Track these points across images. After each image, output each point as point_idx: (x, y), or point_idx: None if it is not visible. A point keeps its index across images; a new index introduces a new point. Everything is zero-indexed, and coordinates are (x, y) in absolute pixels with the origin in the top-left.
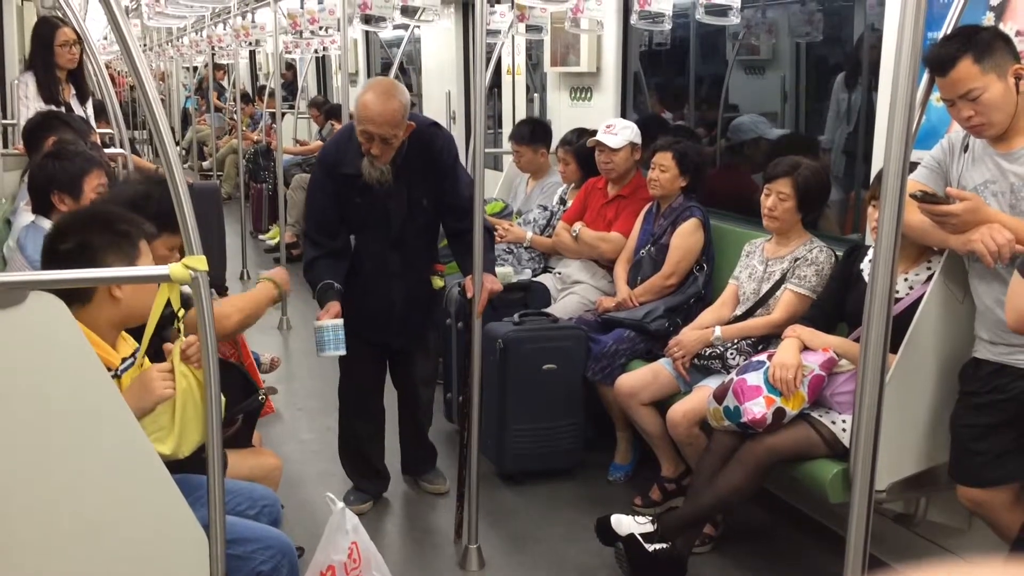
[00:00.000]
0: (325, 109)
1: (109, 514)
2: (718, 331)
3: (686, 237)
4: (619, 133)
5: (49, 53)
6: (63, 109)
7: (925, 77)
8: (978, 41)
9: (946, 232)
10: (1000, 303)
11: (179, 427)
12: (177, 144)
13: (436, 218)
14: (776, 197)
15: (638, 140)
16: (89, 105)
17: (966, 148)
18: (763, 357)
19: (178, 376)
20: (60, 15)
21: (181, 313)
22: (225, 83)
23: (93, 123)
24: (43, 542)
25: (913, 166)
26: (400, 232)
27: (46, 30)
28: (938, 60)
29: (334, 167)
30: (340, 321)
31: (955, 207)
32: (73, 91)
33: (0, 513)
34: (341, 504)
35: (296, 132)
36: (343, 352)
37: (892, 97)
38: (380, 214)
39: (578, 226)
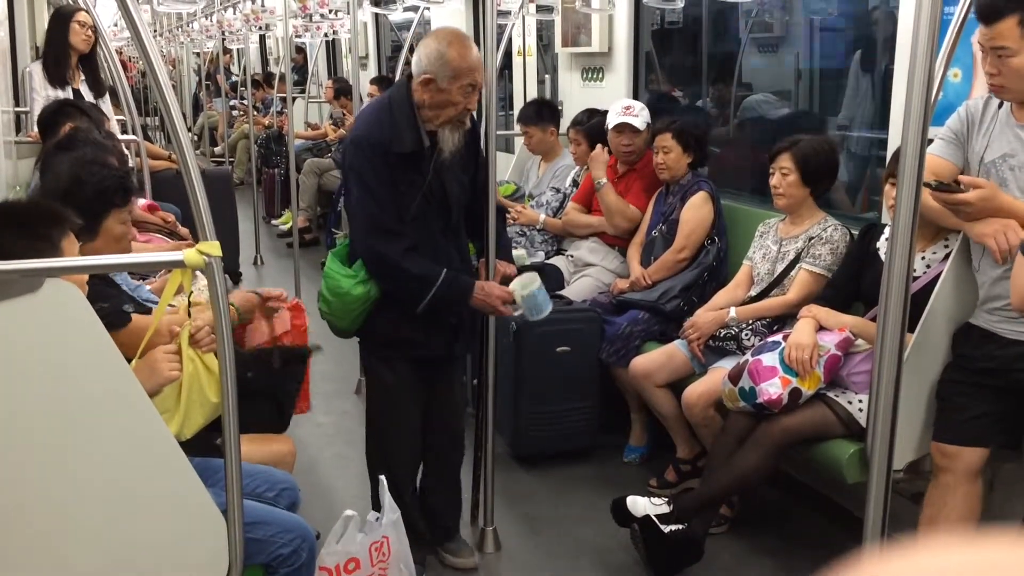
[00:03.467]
0: (337, 88)
1: (127, 499)
2: (733, 312)
3: (696, 210)
4: (639, 114)
5: (65, 31)
6: (71, 93)
7: (942, 53)
8: None
9: (960, 220)
10: (993, 279)
11: (184, 410)
12: (189, 130)
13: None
14: (779, 174)
15: (649, 121)
16: (107, 99)
17: (1001, 104)
18: (778, 338)
19: (185, 360)
20: (71, 1)
21: (192, 297)
22: (234, 68)
23: (111, 115)
24: (61, 527)
25: (930, 143)
26: (457, 217)
27: (65, 10)
28: (987, 7)
29: (386, 147)
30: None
31: (969, 196)
32: (83, 77)
33: (19, 498)
34: (388, 497)
35: (307, 116)
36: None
37: (909, 74)
38: (439, 197)
39: (603, 179)
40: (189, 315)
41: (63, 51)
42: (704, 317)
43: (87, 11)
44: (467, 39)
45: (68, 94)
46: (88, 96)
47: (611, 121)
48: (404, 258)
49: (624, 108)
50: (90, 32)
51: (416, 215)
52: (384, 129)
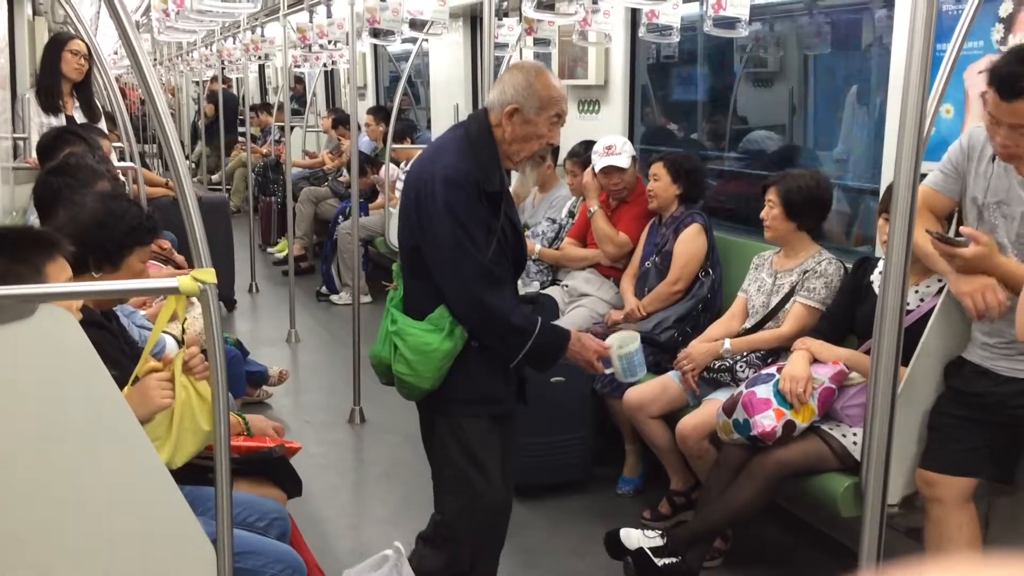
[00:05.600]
0: (335, 118)
1: (117, 527)
2: (727, 344)
3: (689, 242)
4: (622, 151)
5: (57, 60)
6: (64, 120)
7: (935, 90)
8: None
9: (951, 268)
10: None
11: (175, 438)
12: (187, 158)
13: None
14: (768, 207)
15: (635, 152)
16: (103, 123)
17: (994, 158)
18: (772, 370)
19: (178, 387)
20: (72, 30)
21: (186, 324)
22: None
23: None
24: (50, 554)
25: (922, 178)
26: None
27: (59, 39)
28: (1010, 83)
29: (479, 186)
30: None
31: (966, 252)
32: (76, 104)
33: (7, 525)
34: (403, 552)
35: (305, 145)
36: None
37: (902, 110)
38: (513, 243)
39: (595, 206)
40: (182, 343)
41: (55, 79)
42: (698, 348)
43: (82, 39)
44: (551, 72)
45: (61, 121)
46: (82, 122)
47: (596, 165)
48: (512, 310)
49: (606, 149)
50: (83, 60)
51: (504, 252)
52: (473, 164)
